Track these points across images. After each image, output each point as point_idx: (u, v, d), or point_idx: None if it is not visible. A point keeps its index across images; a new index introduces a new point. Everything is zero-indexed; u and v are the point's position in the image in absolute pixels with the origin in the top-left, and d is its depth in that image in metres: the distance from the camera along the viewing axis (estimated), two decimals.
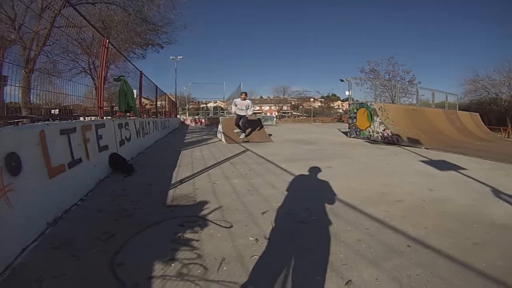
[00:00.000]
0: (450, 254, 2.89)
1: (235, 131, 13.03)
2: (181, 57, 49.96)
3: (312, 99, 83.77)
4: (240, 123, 12.67)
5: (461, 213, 4.05)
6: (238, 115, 12.60)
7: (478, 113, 23.17)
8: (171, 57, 48.95)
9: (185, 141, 14.08)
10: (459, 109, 22.61)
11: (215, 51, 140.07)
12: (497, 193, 4.96)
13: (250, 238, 3.11)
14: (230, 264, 2.59)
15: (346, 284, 2.35)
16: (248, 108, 12.48)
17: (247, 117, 12.62)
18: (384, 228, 3.51)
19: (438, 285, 2.39)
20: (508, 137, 28.14)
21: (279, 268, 2.53)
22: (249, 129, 13.32)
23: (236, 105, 12.61)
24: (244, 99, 12.60)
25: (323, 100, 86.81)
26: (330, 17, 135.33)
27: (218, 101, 59.87)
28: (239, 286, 2.27)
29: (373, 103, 15.18)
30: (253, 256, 2.74)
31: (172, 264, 2.54)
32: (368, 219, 3.76)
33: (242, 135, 12.70)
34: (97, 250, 2.78)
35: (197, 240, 3.03)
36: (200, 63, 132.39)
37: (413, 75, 45.28)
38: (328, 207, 4.13)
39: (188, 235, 3.15)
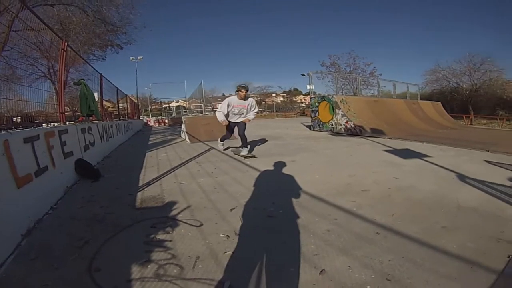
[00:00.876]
0: (420, 239, 3.05)
1: (218, 145, 9.57)
2: (141, 57, 49.16)
3: (274, 95, 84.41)
4: (237, 133, 9.11)
5: (427, 199, 4.28)
6: (230, 123, 8.69)
7: (440, 102, 24.36)
8: (131, 58, 48.30)
9: (149, 143, 14.07)
10: (421, 99, 23.67)
11: (174, 49, 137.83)
12: (462, 178, 5.26)
13: (221, 235, 3.20)
14: (204, 261, 2.68)
15: (320, 273, 2.46)
16: (251, 109, 8.67)
17: (246, 123, 8.66)
18: (352, 217, 3.65)
19: (411, 269, 2.53)
20: (471, 124, 29.94)
21: (252, 263, 2.63)
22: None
23: (229, 109, 8.52)
24: (245, 98, 8.48)
25: (285, 95, 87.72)
26: (290, 10, 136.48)
27: (180, 100, 59.79)
28: (216, 282, 2.35)
29: (334, 96, 15.59)
30: (226, 252, 2.83)
31: (149, 266, 2.61)
32: (335, 210, 3.90)
33: (245, 151, 8.45)
34: (74, 257, 2.82)
35: (170, 241, 3.11)
36: (160, 62, 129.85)
37: (374, 67, 46.97)
38: (294, 200, 4.26)
39: (160, 236, 3.23)
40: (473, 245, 2.96)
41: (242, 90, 8.34)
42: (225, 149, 9.46)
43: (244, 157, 8.10)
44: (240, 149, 8.69)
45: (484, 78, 38.86)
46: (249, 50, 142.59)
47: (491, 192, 4.53)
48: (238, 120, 8.64)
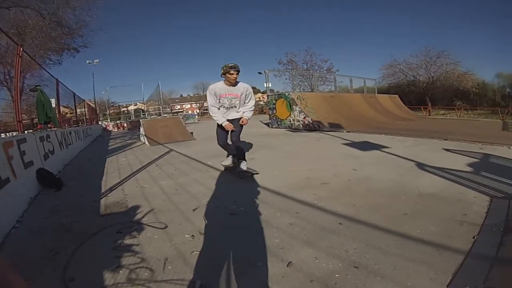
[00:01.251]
0: (383, 226, 3.15)
1: (223, 163, 6.35)
2: (97, 60, 48.35)
3: None
4: (231, 139, 6.00)
5: (388, 188, 4.43)
6: (224, 122, 5.81)
7: (397, 95, 25.29)
8: (87, 61, 47.45)
9: (109, 148, 13.94)
10: (378, 93, 24.44)
11: (131, 52, 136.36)
12: (421, 166, 5.48)
13: (186, 236, 3.23)
14: (173, 263, 2.71)
15: (287, 266, 2.52)
16: (247, 101, 5.95)
17: (242, 124, 5.93)
18: (314, 210, 3.74)
19: (377, 256, 2.61)
20: (429, 115, 31.41)
21: (220, 260, 2.67)
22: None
23: (216, 100, 5.77)
24: (235, 83, 5.68)
25: None
26: (247, 9, 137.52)
27: (138, 103, 59.73)
28: (188, 282, 2.38)
29: (290, 93, 15.81)
30: (193, 252, 2.87)
31: (120, 271, 2.61)
32: (296, 203, 3.98)
33: (243, 165, 5.80)
34: (47, 269, 2.78)
35: (137, 245, 3.12)
36: (117, 65, 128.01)
37: (331, 64, 48.09)
38: (256, 197, 4.31)
39: (128, 241, 3.23)
40: (437, 229, 3.08)
41: (232, 72, 5.43)
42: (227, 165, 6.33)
43: (242, 174, 5.62)
44: (229, 161, 6.22)
45: (440, 71, 40.71)
46: (206, 50, 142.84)
47: (451, 178, 4.73)
48: (230, 117, 5.82)
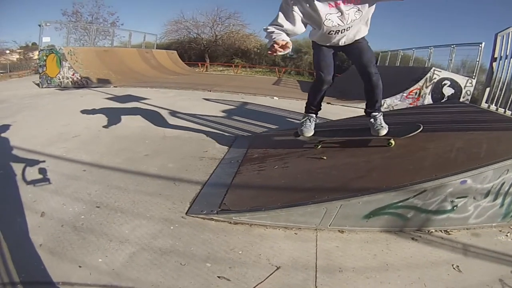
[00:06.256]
0: (123, 168, 3.70)
1: (304, 132, 3.76)
2: None
3: (8, 52, 73.19)
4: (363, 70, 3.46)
5: (134, 134, 5.03)
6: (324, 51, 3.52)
7: (176, 51, 26.06)
8: None
9: None
10: (158, 48, 24.71)
11: None
12: (174, 113, 6.16)
13: None
14: None
15: (41, 216, 2.81)
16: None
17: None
18: (61, 161, 4.06)
19: (117, 194, 3.16)
20: (207, 71, 33.29)
21: None
22: None
23: (305, 17, 3.12)
24: None
25: (21, 51, 77.08)
26: None
27: None
28: None
29: (62, 47, 14.79)
30: None
31: None
32: (47, 157, 4.16)
33: (383, 128, 3.39)
34: None
35: None
36: None
37: (118, 17, 45.53)
38: (13, 158, 4.27)
39: None
40: (175, 165, 3.75)
41: None
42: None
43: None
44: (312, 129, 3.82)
45: (226, 31, 42.73)
46: None
47: (198, 122, 5.55)
48: (347, 42, 3.37)
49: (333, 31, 3.18)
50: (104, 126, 5.55)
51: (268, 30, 3.10)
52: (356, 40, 3.35)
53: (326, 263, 2.27)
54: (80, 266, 2.18)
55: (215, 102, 7.69)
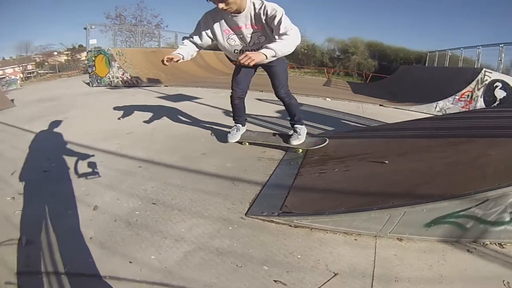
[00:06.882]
0: (179, 166, 3.59)
1: (230, 135, 4.22)
2: None
3: (56, 53, 76.95)
4: (276, 91, 4.08)
5: (189, 133, 4.96)
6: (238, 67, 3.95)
7: (223, 52, 26.31)
8: None
9: None
10: (206, 49, 25.04)
11: None
12: (227, 113, 6.04)
13: (8, 198, 3.12)
14: None
15: (93, 209, 2.76)
16: (277, 29, 3.11)
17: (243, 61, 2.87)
18: (116, 157, 4.02)
19: (174, 191, 3.03)
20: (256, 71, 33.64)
21: (39, 216, 2.73)
22: None
23: (219, 38, 3.53)
24: (241, 8, 3.14)
25: (69, 52, 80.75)
26: None
27: None
28: (16, 240, 2.39)
29: (110, 48, 15.16)
30: (15, 212, 2.83)
31: None
32: (101, 153, 4.15)
33: (301, 134, 4.10)
34: None
35: None
36: None
37: (161, 19, 46.70)
38: (66, 152, 4.30)
39: None
40: (233, 164, 3.62)
41: None
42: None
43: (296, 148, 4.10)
44: (238, 135, 4.27)
45: None
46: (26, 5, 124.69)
47: (254, 122, 5.40)
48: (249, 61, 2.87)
49: (237, 49, 3.56)
50: (157, 124, 5.52)
51: (183, 43, 3.70)
52: (270, 63, 3.52)
53: (383, 272, 2.11)
54: (130, 262, 2.12)
55: (268, 102, 7.54)
